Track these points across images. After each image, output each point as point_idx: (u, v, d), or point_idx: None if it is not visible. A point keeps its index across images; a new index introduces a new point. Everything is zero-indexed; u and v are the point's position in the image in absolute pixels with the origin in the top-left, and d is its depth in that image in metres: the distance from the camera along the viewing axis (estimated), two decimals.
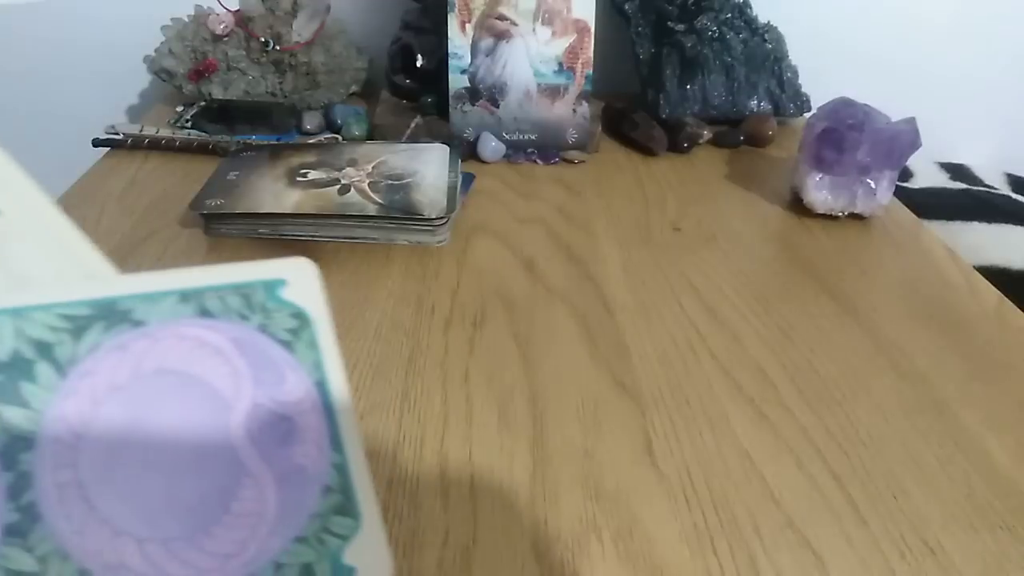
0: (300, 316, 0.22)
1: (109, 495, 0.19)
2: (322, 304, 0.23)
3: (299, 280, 0.23)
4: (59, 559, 0.19)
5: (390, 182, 0.58)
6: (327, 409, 0.22)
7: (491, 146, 0.71)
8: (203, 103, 0.77)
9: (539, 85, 0.71)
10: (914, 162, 0.84)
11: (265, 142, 0.71)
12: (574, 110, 0.72)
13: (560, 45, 0.70)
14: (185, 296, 0.21)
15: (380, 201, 0.55)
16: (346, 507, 0.21)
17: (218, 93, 0.79)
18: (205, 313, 0.21)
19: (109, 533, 0.19)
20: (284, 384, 0.22)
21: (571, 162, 0.73)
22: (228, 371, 0.21)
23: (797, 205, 0.65)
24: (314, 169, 0.60)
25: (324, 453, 0.21)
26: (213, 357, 0.21)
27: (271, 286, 0.22)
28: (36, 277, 0.21)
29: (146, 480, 0.20)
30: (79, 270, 0.21)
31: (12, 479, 0.19)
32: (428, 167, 0.60)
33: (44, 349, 0.20)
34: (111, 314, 0.20)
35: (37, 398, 0.19)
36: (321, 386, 0.22)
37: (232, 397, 0.21)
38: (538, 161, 0.73)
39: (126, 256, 0.54)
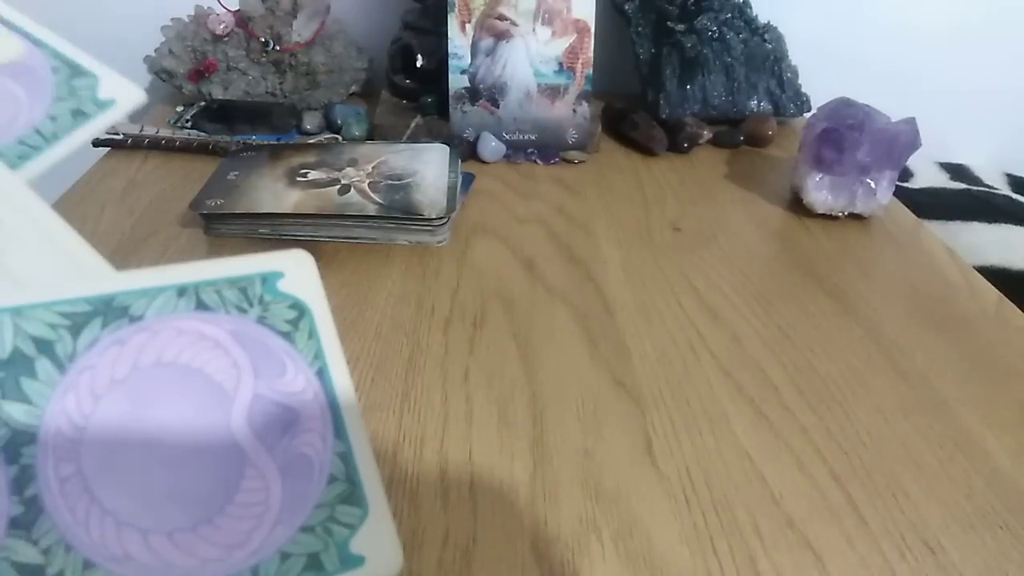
0: (298, 307, 0.23)
1: (112, 487, 0.19)
2: (320, 295, 0.23)
3: (296, 272, 0.23)
4: (63, 551, 0.19)
5: (390, 182, 0.58)
6: (329, 398, 0.22)
7: (491, 146, 0.71)
8: (203, 103, 0.77)
9: (539, 85, 0.71)
10: (914, 162, 0.84)
11: (265, 142, 0.71)
12: (574, 110, 0.72)
13: (560, 45, 0.70)
14: (182, 291, 0.21)
15: (380, 201, 0.55)
16: (352, 496, 0.21)
17: (218, 93, 0.79)
18: (203, 307, 0.22)
19: (113, 525, 0.19)
20: (285, 375, 0.22)
21: (571, 162, 0.73)
22: (228, 363, 0.21)
23: (797, 205, 0.65)
24: (314, 169, 0.60)
25: (328, 442, 0.22)
26: (212, 350, 0.21)
27: (268, 278, 0.22)
28: (36, 279, 0.21)
29: (148, 472, 0.20)
30: (77, 271, 0.21)
31: (16, 472, 0.19)
32: (428, 167, 0.60)
33: (44, 346, 0.20)
34: (109, 310, 0.21)
35: (38, 394, 0.19)
36: (322, 375, 0.22)
37: (232, 389, 0.21)
38: (538, 161, 0.73)
39: (127, 256, 0.54)
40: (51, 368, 0.20)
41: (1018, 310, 0.52)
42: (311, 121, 0.76)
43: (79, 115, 0.25)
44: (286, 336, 0.22)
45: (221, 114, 0.75)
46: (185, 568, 0.19)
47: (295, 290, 0.23)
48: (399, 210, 0.55)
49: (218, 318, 0.22)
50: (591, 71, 0.71)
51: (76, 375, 0.20)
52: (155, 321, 0.21)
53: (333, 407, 0.22)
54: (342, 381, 0.22)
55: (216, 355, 0.21)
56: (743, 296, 0.52)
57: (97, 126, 0.25)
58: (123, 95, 0.26)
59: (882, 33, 0.93)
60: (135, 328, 0.21)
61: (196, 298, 0.22)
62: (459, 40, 0.70)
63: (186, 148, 0.71)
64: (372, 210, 0.55)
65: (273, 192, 0.57)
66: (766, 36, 0.81)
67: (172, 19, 0.80)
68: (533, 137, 0.73)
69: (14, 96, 0.24)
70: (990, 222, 0.75)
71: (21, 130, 0.24)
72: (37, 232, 0.22)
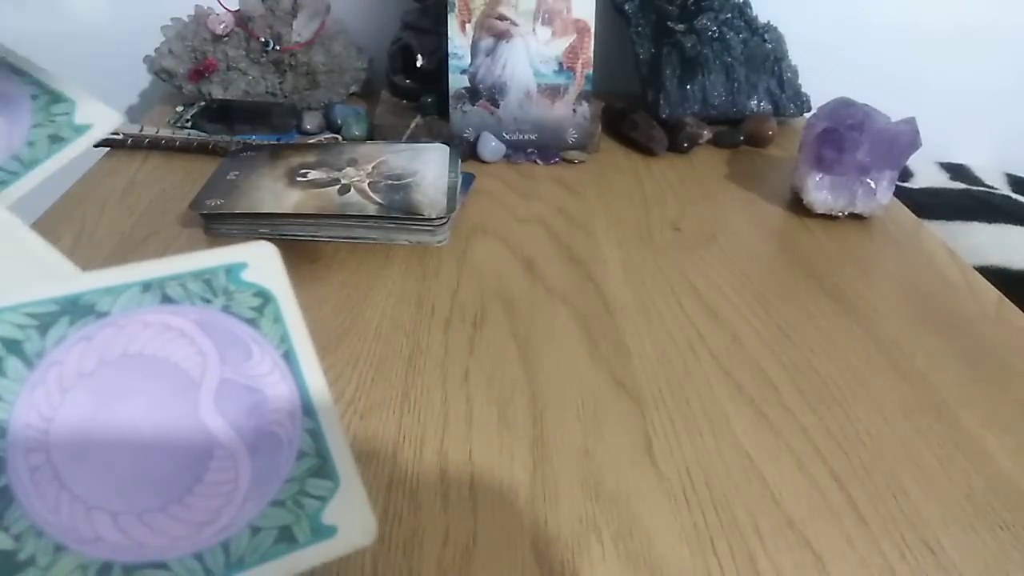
0: (263, 295, 0.23)
1: (81, 474, 0.20)
2: (284, 282, 0.24)
3: (260, 262, 0.24)
4: (34, 536, 0.19)
5: (390, 182, 0.58)
6: (296, 378, 0.23)
7: (491, 146, 0.71)
8: (203, 103, 0.77)
9: (539, 85, 0.71)
10: (914, 162, 0.84)
11: (265, 142, 0.71)
12: (574, 110, 0.72)
13: (560, 45, 0.70)
14: (147, 286, 0.22)
15: (380, 201, 0.55)
16: (322, 469, 0.22)
17: (218, 93, 0.79)
18: (168, 300, 0.22)
19: (83, 509, 0.20)
20: (251, 359, 0.22)
21: (571, 162, 0.73)
22: (193, 351, 0.22)
23: (797, 205, 0.65)
24: (314, 169, 0.60)
25: (296, 420, 0.22)
26: (177, 339, 0.22)
27: (232, 270, 0.23)
28: (4, 284, 0.22)
29: (117, 458, 0.21)
30: (45, 274, 0.22)
31: None
32: (428, 167, 0.60)
33: (12, 346, 0.21)
34: (75, 308, 0.21)
35: (7, 390, 0.20)
36: (289, 357, 0.23)
37: (199, 375, 0.22)
38: (538, 161, 0.73)
39: (126, 256, 0.54)
40: (20, 366, 0.20)
41: (1018, 310, 0.52)
42: (311, 121, 0.76)
43: (56, 140, 0.26)
44: (251, 322, 0.23)
45: (221, 114, 0.75)
46: (156, 546, 0.20)
47: (259, 279, 0.23)
48: (399, 210, 0.55)
49: (183, 309, 0.22)
50: (591, 71, 0.71)
51: (44, 371, 0.21)
52: (121, 316, 0.22)
53: (300, 386, 0.23)
54: (309, 361, 0.23)
55: (181, 344, 0.22)
56: (743, 296, 0.52)
57: (74, 150, 0.26)
58: (100, 119, 0.27)
59: (882, 33, 0.93)
60: (101, 324, 0.21)
61: (161, 292, 0.22)
62: (459, 40, 0.70)
63: (186, 148, 0.71)
64: (372, 210, 0.55)
65: (273, 192, 0.57)
66: (766, 36, 0.81)
67: (172, 19, 0.80)
68: (533, 137, 0.73)
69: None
70: (990, 222, 0.75)
71: (0, 158, 0.25)
72: (4, 239, 0.22)
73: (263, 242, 0.24)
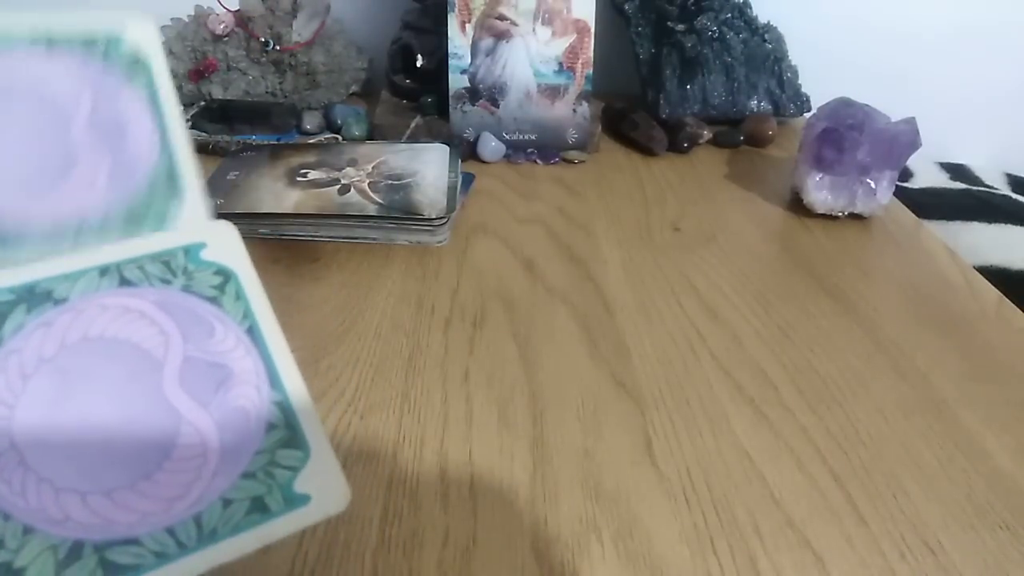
0: (224, 273, 0.24)
1: (47, 458, 0.20)
2: (245, 259, 0.24)
3: (219, 241, 0.24)
4: (1, 519, 0.20)
5: (390, 182, 0.58)
6: (262, 352, 0.23)
7: (491, 146, 0.71)
8: (203, 103, 0.77)
9: (539, 85, 0.71)
10: (914, 162, 0.84)
11: (265, 142, 0.71)
12: (574, 110, 0.72)
13: (560, 45, 0.70)
14: (104, 270, 0.22)
15: (380, 201, 0.55)
16: (292, 440, 0.22)
17: (218, 93, 0.79)
18: (126, 283, 0.23)
19: (50, 491, 0.20)
20: (214, 336, 0.23)
21: (571, 162, 0.73)
22: (155, 331, 0.22)
23: (797, 205, 0.65)
24: (314, 169, 0.60)
25: (264, 393, 0.23)
26: (137, 320, 0.22)
27: (191, 250, 0.24)
28: None
29: (83, 440, 0.21)
30: None
31: None
32: (428, 167, 0.60)
33: None
34: (32, 296, 0.22)
35: None
36: (253, 332, 0.23)
37: (161, 355, 0.22)
38: (538, 161, 0.73)
39: None
40: None
41: (1018, 310, 0.52)
42: (311, 121, 0.76)
43: (131, 224, 0.24)
44: (213, 300, 0.23)
45: (221, 114, 0.75)
46: (126, 523, 0.20)
47: (219, 257, 0.24)
48: (399, 210, 0.55)
49: (142, 291, 0.23)
50: (591, 71, 0.71)
51: (3, 359, 0.21)
52: (79, 301, 0.22)
53: (266, 360, 0.23)
54: (273, 335, 0.23)
55: (142, 325, 0.22)
56: (743, 296, 0.52)
57: (134, 248, 0.24)
58: (192, 224, 0.25)
59: (882, 33, 0.93)
60: (60, 310, 0.22)
61: (119, 275, 0.22)
62: (459, 40, 0.70)
63: None
64: (372, 210, 0.55)
65: (273, 192, 0.57)
66: (766, 36, 0.81)
67: (172, 19, 0.80)
68: (533, 137, 0.73)
69: (94, 183, 0.24)
70: (990, 222, 0.75)
71: (74, 219, 0.23)
72: None
73: (222, 221, 0.24)
